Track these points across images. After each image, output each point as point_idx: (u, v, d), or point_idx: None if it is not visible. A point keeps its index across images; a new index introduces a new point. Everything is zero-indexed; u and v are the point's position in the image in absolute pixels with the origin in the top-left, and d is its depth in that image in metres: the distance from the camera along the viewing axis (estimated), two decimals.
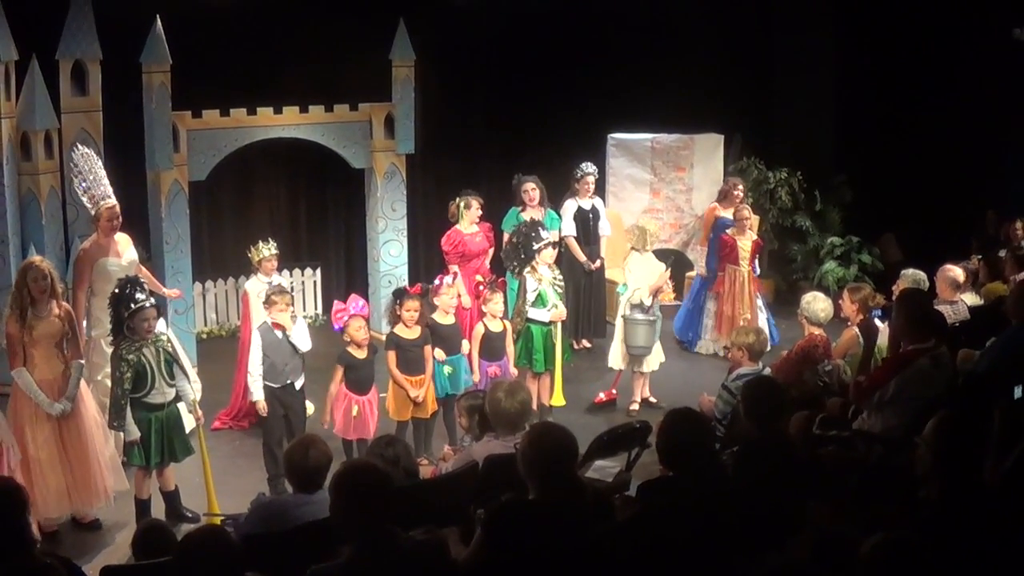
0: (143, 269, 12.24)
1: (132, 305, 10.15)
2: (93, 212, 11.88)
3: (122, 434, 10.64)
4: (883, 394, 8.91)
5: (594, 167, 15.77)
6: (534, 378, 12.73)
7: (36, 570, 5.94)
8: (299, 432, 10.72)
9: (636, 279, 13.54)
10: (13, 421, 10.07)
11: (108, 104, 14.11)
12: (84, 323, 11.41)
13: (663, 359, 13.72)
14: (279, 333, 11.30)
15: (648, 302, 13.20)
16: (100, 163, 12.10)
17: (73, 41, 13.66)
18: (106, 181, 11.96)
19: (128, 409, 10.16)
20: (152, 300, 10.47)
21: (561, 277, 13.12)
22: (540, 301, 12.66)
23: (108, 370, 11.41)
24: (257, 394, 11.32)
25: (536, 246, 12.62)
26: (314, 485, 7.64)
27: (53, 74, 13.64)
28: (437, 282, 12.32)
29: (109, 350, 11.45)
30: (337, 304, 11.66)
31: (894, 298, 10.72)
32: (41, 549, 7.90)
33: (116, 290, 10.35)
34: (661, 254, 17.54)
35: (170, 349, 10.55)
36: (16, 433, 9.99)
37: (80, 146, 12.26)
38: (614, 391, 13.56)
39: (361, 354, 11.48)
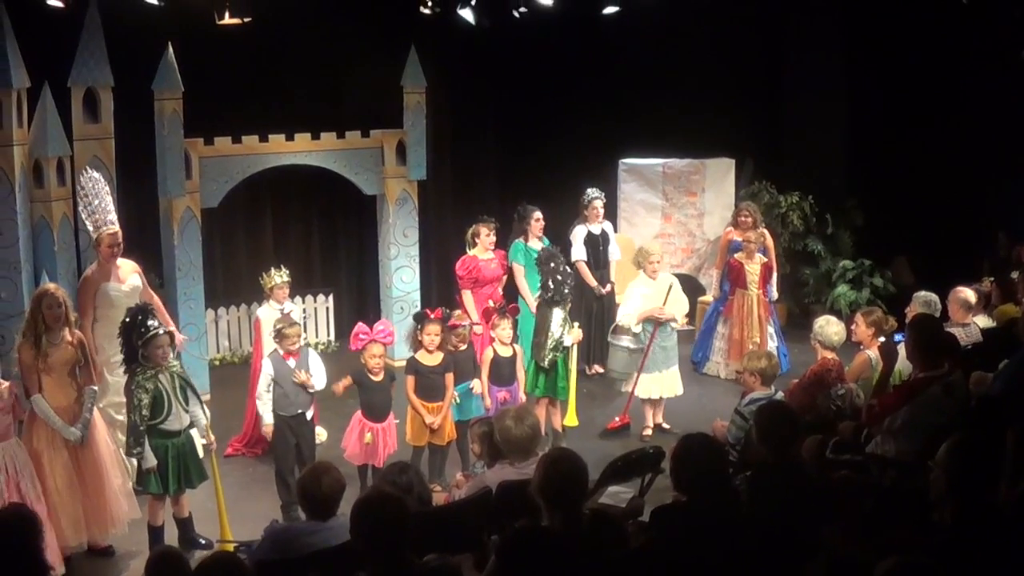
0: (155, 298, 12.23)
1: (145, 332, 10.15)
2: (94, 237, 11.89)
3: (134, 462, 10.68)
4: (892, 422, 8.89)
5: (600, 192, 15.76)
6: (552, 404, 12.74)
7: None
8: (310, 460, 10.73)
9: (631, 303, 13.52)
10: (31, 449, 10.05)
11: (120, 131, 14.11)
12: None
13: (680, 391, 13.62)
14: (291, 362, 11.31)
15: (636, 328, 13.22)
16: (107, 189, 12.11)
17: (85, 68, 13.68)
18: (112, 207, 11.96)
19: (145, 437, 10.17)
20: (164, 327, 10.49)
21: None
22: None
23: (113, 398, 11.44)
24: (267, 417, 11.34)
25: (566, 290, 12.63)
26: (328, 512, 7.65)
27: (65, 101, 13.67)
28: (454, 319, 12.28)
29: (112, 378, 11.49)
30: (361, 326, 11.62)
31: (907, 321, 10.71)
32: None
33: (127, 319, 10.31)
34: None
35: (184, 375, 10.57)
36: (34, 461, 9.97)
37: (89, 170, 12.28)
38: (627, 416, 13.48)
39: (376, 378, 11.48)
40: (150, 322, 10.25)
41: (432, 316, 11.86)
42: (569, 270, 12.80)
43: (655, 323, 13.30)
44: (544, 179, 17.01)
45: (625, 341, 13.23)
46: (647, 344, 13.26)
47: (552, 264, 12.65)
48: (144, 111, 14.09)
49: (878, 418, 9.06)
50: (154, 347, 10.18)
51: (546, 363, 12.44)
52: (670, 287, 13.43)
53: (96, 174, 12.14)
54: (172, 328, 11.72)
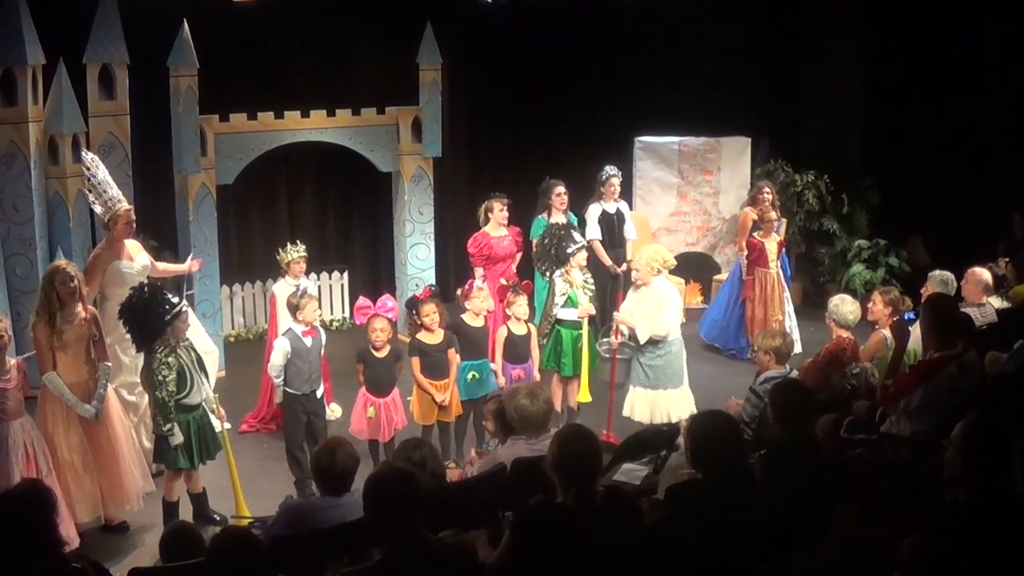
0: (156, 265, 12.21)
1: (171, 308, 10.17)
2: (107, 217, 11.84)
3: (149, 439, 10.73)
4: (909, 402, 8.87)
5: (617, 170, 15.74)
6: (561, 381, 12.73)
7: (65, 573, 5.96)
8: (322, 437, 10.75)
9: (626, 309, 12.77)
10: (43, 425, 10.10)
11: (135, 107, 14.16)
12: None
13: (683, 413, 12.29)
14: (308, 340, 11.32)
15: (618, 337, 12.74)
16: (104, 168, 12.05)
17: (100, 45, 13.70)
18: (114, 184, 11.97)
19: (174, 413, 10.21)
20: (184, 301, 10.55)
21: (592, 280, 13.01)
22: (570, 303, 12.65)
23: (126, 378, 11.44)
24: (280, 395, 11.41)
25: (570, 249, 12.58)
26: (342, 487, 7.67)
27: (80, 78, 13.69)
28: (467, 286, 12.29)
29: (124, 357, 11.47)
30: (363, 300, 11.64)
31: (922, 301, 10.69)
32: (70, 552, 7.94)
33: (146, 297, 10.29)
34: (687, 257, 17.59)
35: (195, 348, 10.61)
36: (47, 437, 10.01)
37: (88, 152, 12.26)
38: (611, 434, 12.03)
39: (379, 354, 11.50)
40: (173, 298, 10.30)
41: (421, 298, 11.88)
42: (573, 240, 12.72)
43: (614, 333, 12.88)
44: (559, 157, 16.99)
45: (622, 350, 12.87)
46: (611, 357, 12.77)
47: (549, 235, 12.83)
48: (159, 88, 14.10)
49: (894, 398, 9.04)
50: (182, 321, 10.26)
51: (544, 334, 12.65)
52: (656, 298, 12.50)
53: (92, 155, 12.12)
54: (186, 266, 11.82)
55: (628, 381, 12.66)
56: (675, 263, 13.08)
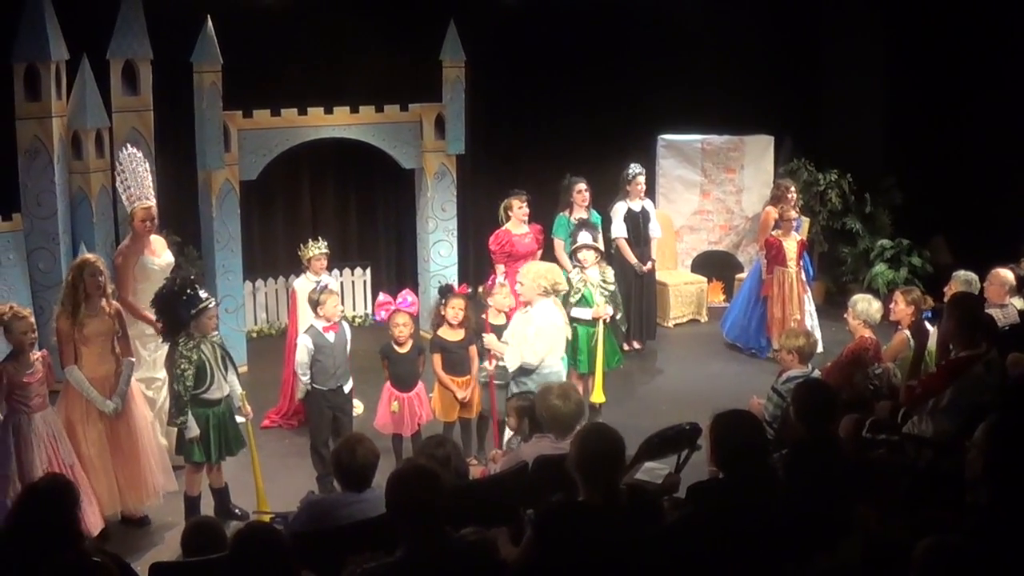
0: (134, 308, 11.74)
1: (199, 302, 10.24)
2: (129, 211, 11.94)
3: (173, 434, 10.75)
4: (938, 402, 8.85)
5: (642, 168, 15.76)
6: (579, 378, 12.71)
7: (87, 567, 5.97)
8: (346, 433, 10.74)
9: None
10: (65, 419, 10.13)
11: (159, 103, 14.18)
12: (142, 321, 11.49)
13: None
14: (331, 335, 11.34)
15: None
16: (146, 166, 12.13)
17: (124, 40, 13.74)
18: (149, 183, 11.99)
19: (189, 406, 10.25)
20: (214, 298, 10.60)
21: (612, 280, 13.03)
22: (584, 302, 12.68)
23: (145, 373, 11.46)
24: (300, 393, 11.44)
25: (574, 245, 12.62)
26: (363, 483, 7.70)
27: (104, 73, 13.73)
28: (489, 282, 12.26)
29: (144, 352, 11.52)
30: (384, 296, 11.60)
31: (945, 301, 10.66)
32: (91, 545, 7.96)
33: (173, 289, 10.36)
34: (709, 256, 17.58)
35: (223, 345, 10.63)
36: (68, 431, 10.04)
37: (130, 147, 12.30)
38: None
39: (402, 349, 11.51)
40: (202, 293, 10.36)
41: (457, 291, 11.86)
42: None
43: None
44: (582, 155, 16.94)
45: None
46: (488, 383, 11.59)
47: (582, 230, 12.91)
48: (183, 83, 14.13)
49: (921, 399, 9.01)
50: (207, 317, 10.30)
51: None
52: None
53: (136, 151, 12.17)
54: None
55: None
56: (566, 287, 11.89)
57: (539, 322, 10.96)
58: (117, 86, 13.84)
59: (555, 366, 11.05)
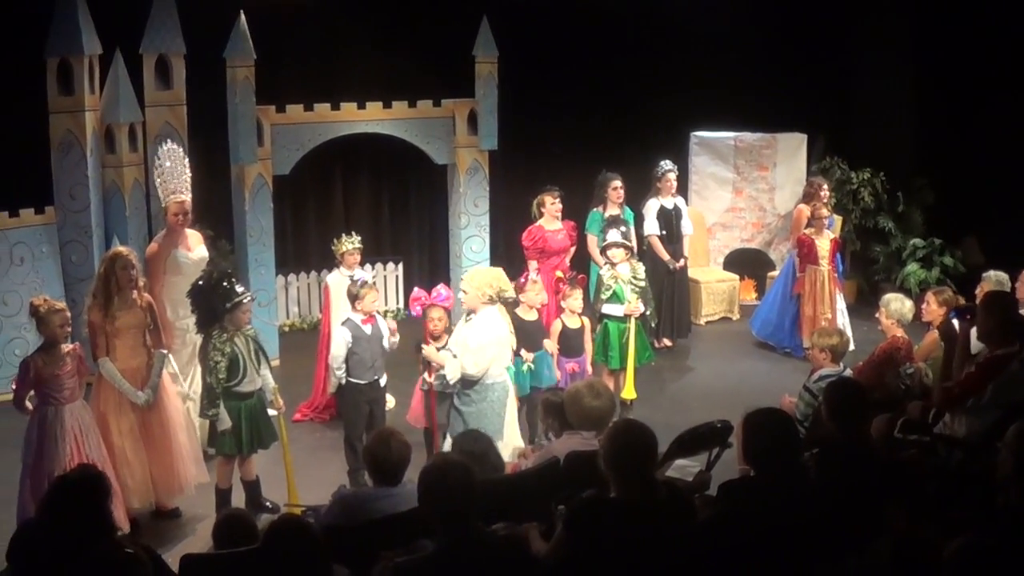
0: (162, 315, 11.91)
1: (234, 296, 10.30)
2: (163, 204, 12.00)
3: (205, 427, 10.79)
4: (979, 400, 8.79)
5: (673, 164, 15.73)
6: (610, 375, 12.70)
7: (119, 558, 5.99)
8: (380, 426, 10.74)
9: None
10: (97, 411, 10.17)
11: (192, 98, 14.25)
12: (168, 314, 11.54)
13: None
14: (368, 328, 11.35)
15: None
16: (185, 161, 12.19)
17: (157, 35, 13.81)
18: (186, 177, 12.04)
19: (221, 399, 10.29)
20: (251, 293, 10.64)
21: (643, 276, 12.98)
22: (615, 298, 12.67)
23: (170, 368, 11.49)
24: (332, 387, 11.43)
25: (604, 242, 12.67)
26: (395, 478, 7.69)
27: (137, 68, 13.79)
28: (522, 278, 12.22)
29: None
30: (417, 291, 11.56)
31: (977, 301, 10.61)
32: (124, 537, 8.00)
33: (210, 281, 10.43)
34: (741, 253, 17.55)
35: (257, 339, 10.66)
36: (100, 423, 10.07)
37: (169, 142, 12.34)
38: None
39: (436, 343, 11.45)
40: (239, 287, 10.43)
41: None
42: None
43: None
44: (615, 151, 16.93)
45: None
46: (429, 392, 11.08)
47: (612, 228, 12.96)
48: (216, 78, 14.17)
49: (960, 400, 8.94)
50: (242, 311, 10.36)
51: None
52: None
53: (175, 146, 12.22)
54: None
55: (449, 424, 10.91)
56: (513, 295, 11.33)
57: (481, 332, 10.56)
58: (150, 80, 13.93)
59: (499, 376, 10.70)
